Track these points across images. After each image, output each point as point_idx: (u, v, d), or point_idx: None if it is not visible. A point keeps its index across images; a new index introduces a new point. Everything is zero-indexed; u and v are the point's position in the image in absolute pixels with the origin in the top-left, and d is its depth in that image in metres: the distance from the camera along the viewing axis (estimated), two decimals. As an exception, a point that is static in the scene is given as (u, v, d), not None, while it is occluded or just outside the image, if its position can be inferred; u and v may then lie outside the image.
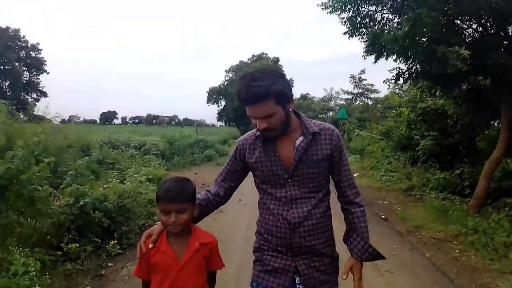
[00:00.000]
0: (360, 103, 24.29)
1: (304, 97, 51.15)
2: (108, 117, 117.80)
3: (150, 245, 1.51)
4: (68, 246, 4.01)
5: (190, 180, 1.61)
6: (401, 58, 5.93)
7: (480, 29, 5.70)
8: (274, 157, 1.60)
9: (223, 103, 43.70)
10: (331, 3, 6.43)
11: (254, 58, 48.35)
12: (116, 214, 4.69)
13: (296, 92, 56.29)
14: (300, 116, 1.65)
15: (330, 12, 6.52)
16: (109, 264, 4.06)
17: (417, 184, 8.93)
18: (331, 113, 27.04)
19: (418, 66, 6.09)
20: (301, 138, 1.58)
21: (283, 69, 51.24)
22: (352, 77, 25.16)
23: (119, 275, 3.82)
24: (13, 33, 33.33)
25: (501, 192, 6.65)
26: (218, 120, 46.04)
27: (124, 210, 4.80)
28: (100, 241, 4.34)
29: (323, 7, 6.52)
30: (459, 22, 5.61)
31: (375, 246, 1.64)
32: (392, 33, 5.40)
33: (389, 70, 6.40)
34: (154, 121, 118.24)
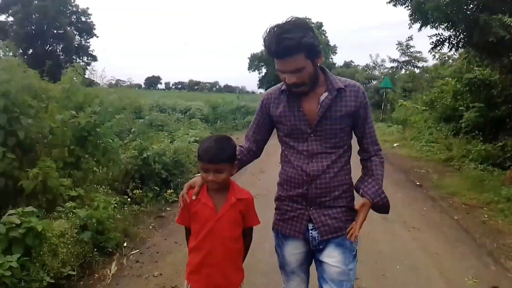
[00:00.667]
0: (407, 72, 23.47)
1: (347, 64, 49.72)
2: (152, 81, 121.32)
3: (194, 197, 1.60)
4: (133, 192, 4.71)
5: (231, 139, 1.65)
6: (444, 26, 5.92)
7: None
8: (298, 112, 1.62)
9: (264, 70, 43.63)
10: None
11: (297, 24, 47.32)
12: (172, 168, 5.33)
13: (339, 60, 54.78)
14: (326, 72, 1.65)
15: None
16: (167, 208, 4.73)
17: (457, 155, 8.93)
18: (374, 82, 26.41)
19: (462, 35, 6.05)
20: (325, 93, 1.59)
21: (326, 35, 49.87)
22: (399, 44, 24.17)
23: (175, 217, 4.47)
24: (65, -2, 34.78)
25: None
26: (259, 87, 46.12)
27: (178, 165, 5.43)
28: (159, 189, 5.01)
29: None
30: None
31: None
32: (435, 0, 5.41)
33: (429, 36, 6.40)
34: (196, 87, 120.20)
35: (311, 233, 1.65)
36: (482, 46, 5.99)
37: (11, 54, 4.87)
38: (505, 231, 4.32)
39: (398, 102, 18.48)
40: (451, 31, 6.09)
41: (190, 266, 1.66)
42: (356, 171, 1.72)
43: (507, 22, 4.78)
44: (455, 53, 8.09)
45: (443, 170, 7.96)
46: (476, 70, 9.37)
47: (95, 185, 4.13)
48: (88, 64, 36.50)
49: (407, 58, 24.42)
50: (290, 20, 1.51)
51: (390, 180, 6.41)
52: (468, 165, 7.97)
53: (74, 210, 3.21)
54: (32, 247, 2.62)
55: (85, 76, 4.72)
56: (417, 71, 23.29)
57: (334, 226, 1.63)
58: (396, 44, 24.08)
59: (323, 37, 48.35)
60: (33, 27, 32.97)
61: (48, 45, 33.91)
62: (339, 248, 1.63)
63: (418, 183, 6.62)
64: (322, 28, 48.37)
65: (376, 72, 27.52)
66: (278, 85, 1.71)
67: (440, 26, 5.93)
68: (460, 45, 6.41)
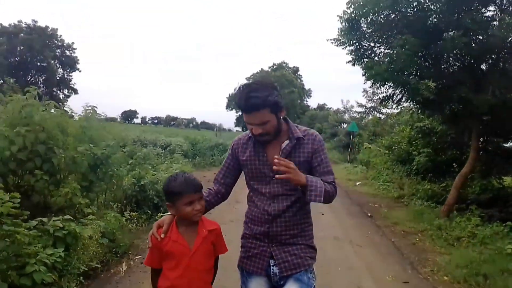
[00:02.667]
0: (371, 117, 25.47)
1: (321, 107, 52.48)
2: (128, 115, 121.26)
3: (162, 235, 1.65)
4: (130, 214, 5.64)
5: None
6: (387, 86, 7.42)
7: (448, 66, 7.18)
8: (262, 157, 1.80)
9: (241, 109, 45.38)
10: (339, 38, 7.97)
11: (274, 67, 50.05)
12: (163, 195, 6.30)
13: (313, 102, 57.51)
14: (288, 122, 1.85)
15: (337, 45, 8.08)
16: (159, 227, 5.67)
17: (408, 193, 10.31)
18: (345, 126, 28.35)
19: (400, 94, 7.56)
20: (287, 141, 1.79)
21: (302, 78, 52.75)
22: (365, 91, 26.39)
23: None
24: (51, 32, 35.94)
25: (469, 201, 8.07)
26: (236, 126, 47.73)
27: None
28: (151, 213, 5.94)
29: (332, 41, 8.07)
30: (431, 61, 7.07)
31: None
32: (380, 65, 6.90)
33: (376, 94, 7.90)
34: (172, 123, 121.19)
35: (272, 269, 1.80)
36: (419, 102, 7.50)
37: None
38: (429, 250, 5.51)
39: (364, 145, 20.21)
40: (392, 90, 7.60)
41: None
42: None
43: (431, 86, 6.25)
44: (400, 107, 9.59)
45: (394, 205, 9.25)
46: (426, 119, 11.00)
47: (103, 205, 5.06)
48: (68, 96, 37.21)
49: (373, 104, 26.55)
50: (258, 80, 1.84)
51: (346, 211, 7.63)
52: (415, 202, 9.29)
53: (95, 222, 4.16)
54: (70, 245, 3.55)
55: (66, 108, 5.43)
56: (382, 116, 25.33)
57: (294, 263, 1.78)
58: (362, 92, 26.25)
59: (299, 80, 51.17)
60: (17, 59, 33.64)
61: (30, 77, 34.47)
62: (297, 283, 1.77)
63: (369, 214, 7.84)
64: (298, 73, 51.35)
65: (346, 116, 29.57)
66: (247, 132, 1.88)
67: (384, 85, 7.43)
68: (401, 101, 7.91)
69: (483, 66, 7.23)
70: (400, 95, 7.59)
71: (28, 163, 4.29)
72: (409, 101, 7.88)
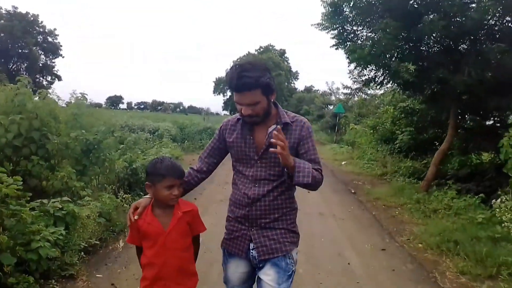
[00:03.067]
0: (357, 99, 25.82)
1: (308, 89, 52.70)
2: (114, 101, 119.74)
3: (136, 217, 1.72)
4: (124, 196, 5.86)
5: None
6: (369, 69, 7.68)
7: (427, 48, 7.46)
8: (248, 140, 1.81)
9: (228, 93, 45.36)
10: (323, 23, 8.15)
11: (261, 50, 49.82)
12: (154, 177, 6.53)
13: (301, 85, 57.65)
14: (277, 107, 1.84)
15: (321, 30, 8.26)
16: (152, 208, 5.94)
17: (390, 170, 10.73)
18: (331, 107, 28.69)
19: (382, 76, 7.83)
20: (274, 126, 1.75)
21: (289, 61, 52.71)
22: (351, 72, 26.64)
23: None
24: (32, 19, 35.05)
25: (448, 177, 8.50)
26: (223, 109, 47.70)
27: (159, 174, 6.64)
28: (143, 194, 6.16)
29: (316, 26, 8.24)
30: (411, 43, 7.33)
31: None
32: (362, 49, 7.14)
33: (359, 76, 8.16)
34: (159, 108, 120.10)
35: (251, 252, 1.83)
36: (400, 84, 7.80)
37: None
38: (407, 221, 5.90)
39: (350, 125, 20.61)
40: (374, 72, 7.87)
41: (145, 281, 1.78)
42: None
43: (410, 68, 6.53)
44: (383, 88, 9.89)
45: (377, 182, 9.65)
46: (407, 100, 11.35)
47: (97, 187, 5.27)
48: (51, 83, 36.62)
49: (358, 86, 26.86)
50: (251, 60, 1.89)
51: (330, 188, 7.98)
52: (397, 179, 9.70)
53: (91, 203, 4.38)
54: (70, 224, 3.78)
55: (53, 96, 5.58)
56: (367, 97, 25.70)
57: (272, 247, 1.80)
58: (347, 73, 26.51)
59: (286, 63, 51.09)
60: (-3, 46, 32.84)
61: (12, 64, 33.73)
62: (274, 268, 1.79)
63: (353, 191, 8.21)
64: (285, 55, 51.20)
65: (333, 98, 29.88)
66: (237, 114, 1.89)
67: (366, 68, 7.69)
68: (384, 83, 8.19)
69: (461, 48, 7.53)
70: (382, 77, 7.87)
71: (23, 149, 4.44)
72: (391, 82, 8.18)
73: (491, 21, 6.88)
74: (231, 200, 1.93)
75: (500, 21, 6.95)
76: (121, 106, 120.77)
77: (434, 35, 6.97)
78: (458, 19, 6.93)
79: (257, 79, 1.65)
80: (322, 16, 8.05)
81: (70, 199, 3.99)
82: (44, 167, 4.56)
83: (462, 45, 7.40)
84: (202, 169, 1.95)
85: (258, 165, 1.79)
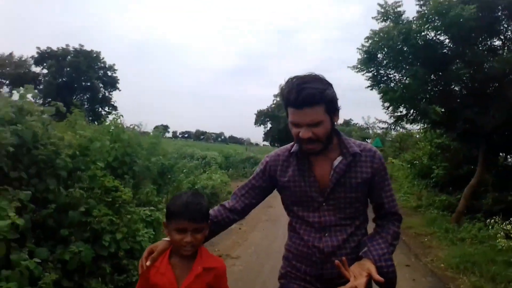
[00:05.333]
0: (395, 133, 26.15)
1: (347, 123, 53.22)
2: (160, 130, 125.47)
3: (148, 263, 1.41)
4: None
5: (204, 196, 1.54)
6: (399, 108, 8.58)
7: (454, 92, 8.27)
8: (309, 177, 1.50)
9: (269, 124, 46.93)
10: (359, 66, 9.20)
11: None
12: (210, 198, 7.68)
13: (340, 118, 58.19)
14: (340, 135, 1.55)
15: (357, 72, 9.31)
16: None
17: (425, 203, 11.21)
18: (369, 141, 29.11)
19: (414, 115, 8.68)
20: (339, 158, 1.49)
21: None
22: (386, 107, 27.14)
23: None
24: (95, 55, 39.02)
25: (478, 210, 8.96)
26: (264, 140, 49.17)
27: (215, 196, 7.79)
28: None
29: (352, 68, 9.31)
30: (439, 86, 8.16)
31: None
32: (394, 92, 8.08)
33: (392, 114, 9.06)
34: (202, 137, 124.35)
35: None
36: (429, 122, 8.58)
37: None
38: (434, 247, 6.56)
39: (388, 159, 21.01)
40: (405, 111, 8.73)
41: None
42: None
43: (438, 111, 7.37)
44: (413, 126, 10.69)
45: (411, 213, 10.21)
46: (441, 137, 11.94)
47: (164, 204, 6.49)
48: (109, 113, 39.90)
49: (394, 120, 27.21)
50: (310, 74, 1.45)
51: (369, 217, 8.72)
52: (431, 211, 10.20)
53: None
54: (156, 227, 4.93)
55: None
56: (405, 131, 25.96)
57: None
58: (382, 108, 26.96)
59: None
60: (64, 79, 36.74)
61: (76, 95, 37.44)
62: None
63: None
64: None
65: (370, 132, 30.31)
66: (287, 146, 1.62)
67: (398, 108, 8.58)
68: (414, 121, 9.00)
69: (488, 91, 8.25)
70: (413, 116, 8.69)
71: (118, 169, 5.76)
72: (421, 121, 8.97)
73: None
74: (290, 252, 1.59)
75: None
76: (167, 135, 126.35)
77: (460, 81, 7.79)
78: (484, 66, 7.74)
79: (322, 92, 1.38)
80: (358, 61, 9.11)
81: (155, 209, 5.17)
82: (131, 184, 5.84)
83: (488, 90, 8.13)
84: (236, 208, 1.63)
85: (324, 208, 1.50)
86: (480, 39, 8.03)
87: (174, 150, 17.28)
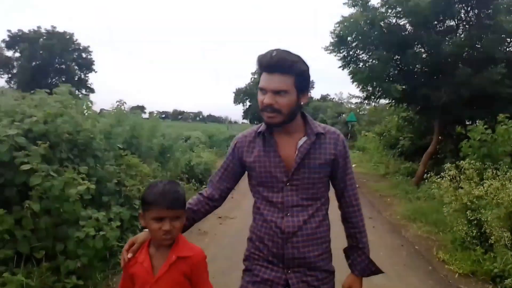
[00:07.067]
0: (368, 107, 27.65)
1: (324, 98, 54.63)
2: (135, 111, 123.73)
3: (129, 255, 1.41)
4: (184, 186, 8.05)
5: (179, 184, 1.53)
6: (367, 87, 9.77)
7: (413, 72, 9.50)
8: (274, 157, 1.50)
9: (248, 103, 47.77)
10: (331, 47, 10.25)
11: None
12: (203, 173, 8.72)
13: (317, 94, 59.62)
14: (306, 117, 1.56)
15: (329, 53, 10.36)
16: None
17: (392, 171, 12.65)
18: (343, 115, 30.60)
19: (379, 93, 9.89)
20: (304, 138, 1.50)
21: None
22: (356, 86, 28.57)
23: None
24: (68, 37, 38.36)
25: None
26: (243, 118, 50.06)
27: (208, 172, 8.84)
28: (198, 184, 8.36)
29: (325, 49, 10.35)
30: (401, 66, 9.36)
31: None
32: (361, 73, 9.23)
33: (361, 92, 10.27)
34: (180, 117, 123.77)
35: None
36: (393, 99, 9.83)
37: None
38: (394, 204, 7.89)
39: (361, 132, 22.52)
40: (372, 90, 9.93)
41: None
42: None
43: (398, 88, 8.57)
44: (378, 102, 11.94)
45: (379, 180, 11.62)
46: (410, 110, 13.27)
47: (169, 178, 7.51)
48: (87, 95, 39.68)
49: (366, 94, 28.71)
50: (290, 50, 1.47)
51: (339, 183, 10.07)
52: (397, 177, 11.61)
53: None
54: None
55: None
56: (377, 105, 27.49)
57: None
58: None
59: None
60: (38, 62, 36.15)
61: (51, 79, 37.00)
62: None
63: (358, 186, 10.11)
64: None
65: (344, 107, 31.77)
66: (254, 127, 1.63)
67: (365, 87, 9.77)
68: (380, 98, 10.23)
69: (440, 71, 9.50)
70: (379, 94, 9.91)
71: (126, 150, 6.69)
72: (386, 98, 10.22)
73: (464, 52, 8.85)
74: (254, 233, 1.59)
75: (470, 51, 8.90)
76: (143, 115, 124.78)
77: (418, 62, 8.99)
78: (440, 47, 8.93)
79: (293, 63, 1.41)
80: (329, 44, 10.16)
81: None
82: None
83: (441, 69, 9.38)
84: (214, 196, 1.63)
85: (287, 188, 1.50)
86: (436, 22, 9.20)
87: (172, 132, 18.18)
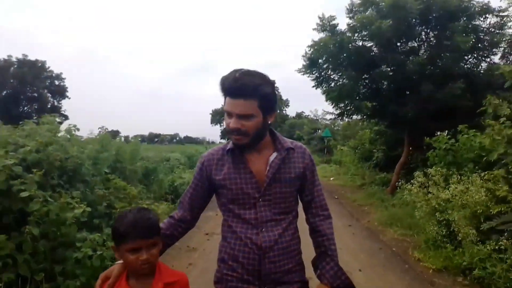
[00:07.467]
0: (342, 123, 28.55)
1: (299, 115, 55.71)
2: (112, 136, 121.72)
3: None
4: (169, 206, 8.20)
5: (150, 210, 1.49)
6: (340, 105, 10.32)
7: (381, 90, 10.13)
8: (245, 173, 1.50)
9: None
10: (304, 70, 10.78)
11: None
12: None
13: (292, 111, 60.85)
14: (274, 134, 1.59)
15: (303, 74, 10.89)
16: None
17: (368, 182, 13.16)
18: (319, 131, 31.38)
19: (351, 111, 10.46)
20: (275, 154, 1.52)
21: (279, 90, 56.01)
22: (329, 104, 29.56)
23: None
24: (40, 65, 37.91)
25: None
26: (221, 138, 50.29)
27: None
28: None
29: (298, 71, 10.88)
30: (370, 85, 9.97)
31: None
32: (333, 92, 9.77)
33: (332, 112, 10.80)
34: (156, 139, 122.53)
35: None
36: (364, 115, 10.41)
37: None
38: (371, 212, 8.31)
39: (337, 147, 23.22)
40: (344, 107, 10.49)
41: None
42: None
43: (368, 105, 9.12)
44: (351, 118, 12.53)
45: (356, 191, 12.09)
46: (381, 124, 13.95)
47: (154, 199, 7.67)
48: (61, 123, 38.90)
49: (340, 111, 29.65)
50: (255, 70, 1.47)
51: (318, 196, 10.47)
52: (373, 187, 12.12)
53: (160, 206, 6.73)
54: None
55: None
56: (351, 121, 28.43)
57: None
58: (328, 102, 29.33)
59: (277, 92, 54.41)
60: (9, 91, 35.44)
61: (23, 107, 36.27)
62: None
63: (336, 197, 10.64)
64: (276, 85, 54.45)
65: (319, 124, 32.58)
66: (220, 145, 1.62)
67: (338, 105, 10.32)
68: (352, 115, 10.80)
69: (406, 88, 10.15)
70: (351, 110, 10.47)
71: (112, 174, 6.85)
72: (358, 114, 10.80)
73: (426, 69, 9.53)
74: (226, 253, 1.55)
75: (431, 69, 9.59)
76: (118, 140, 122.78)
77: (385, 81, 9.61)
78: (405, 66, 9.58)
79: (257, 87, 1.39)
80: (302, 66, 10.69)
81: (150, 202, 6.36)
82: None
83: (406, 86, 10.03)
84: (186, 217, 1.61)
85: (260, 204, 1.50)
86: (399, 43, 9.90)
87: (154, 155, 18.18)
